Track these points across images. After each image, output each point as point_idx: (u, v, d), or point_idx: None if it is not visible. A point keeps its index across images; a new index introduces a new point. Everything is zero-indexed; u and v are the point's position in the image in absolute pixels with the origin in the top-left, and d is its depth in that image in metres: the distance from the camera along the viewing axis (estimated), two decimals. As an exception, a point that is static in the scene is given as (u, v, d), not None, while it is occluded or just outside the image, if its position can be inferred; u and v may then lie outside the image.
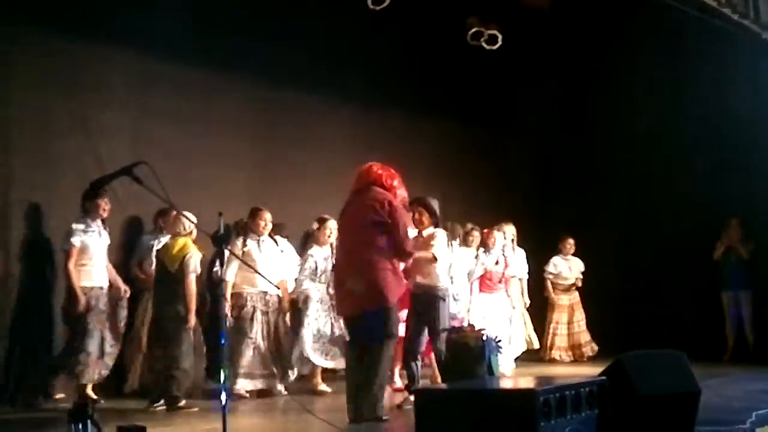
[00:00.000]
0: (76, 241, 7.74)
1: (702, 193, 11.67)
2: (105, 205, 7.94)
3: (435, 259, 7.50)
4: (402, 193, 6.95)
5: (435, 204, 7.88)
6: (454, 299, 8.61)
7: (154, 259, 8.12)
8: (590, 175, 12.79)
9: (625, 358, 5.13)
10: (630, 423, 4.87)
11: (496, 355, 6.20)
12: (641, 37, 12.19)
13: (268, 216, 8.53)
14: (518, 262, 10.57)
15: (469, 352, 6.42)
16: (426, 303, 7.50)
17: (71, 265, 7.74)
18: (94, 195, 7.76)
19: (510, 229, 10.56)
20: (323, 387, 8.62)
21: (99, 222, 7.95)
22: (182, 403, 7.61)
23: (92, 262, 7.84)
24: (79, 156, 8.51)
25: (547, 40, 12.47)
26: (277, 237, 8.77)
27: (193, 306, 7.71)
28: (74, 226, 7.79)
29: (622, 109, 12.53)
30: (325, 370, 8.81)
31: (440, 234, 7.80)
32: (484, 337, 6.33)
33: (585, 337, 11.66)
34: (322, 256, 8.82)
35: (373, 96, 11.14)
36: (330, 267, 8.56)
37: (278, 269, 8.54)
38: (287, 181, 10.27)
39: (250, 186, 9.91)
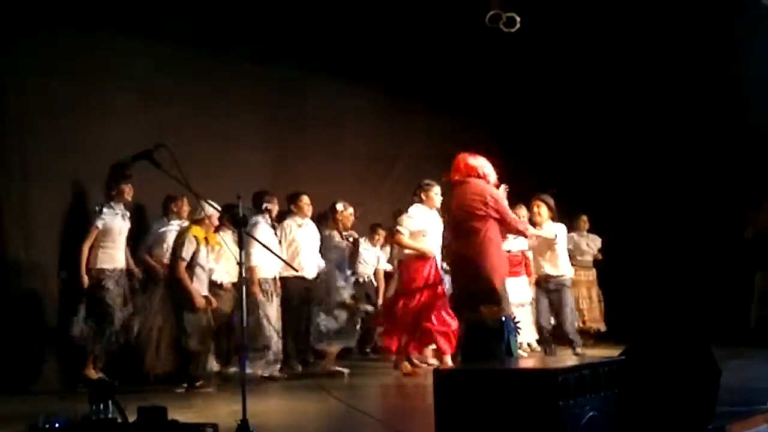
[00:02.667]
0: (99, 223, 7.85)
1: (726, 169, 11.62)
2: (129, 190, 8.05)
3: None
4: (493, 179, 7.57)
5: (551, 201, 8.91)
6: None
7: (168, 247, 8.17)
8: (612, 153, 12.72)
9: (644, 338, 5.12)
10: (650, 403, 4.86)
11: (515, 336, 6.21)
12: (655, 18, 12.08)
13: (306, 199, 8.84)
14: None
15: (487, 332, 6.43)
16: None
17: (85, 246, 7.81)
18: (118, 179, 7.85)
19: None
20: (339, 368, 8.68)
21: (122, 206, 8.02)
22: (199, 383, 7.67)
23: (115, 244, 7.97)
24: (92, 141, 8.52)
25: (562, 21, 12.37)
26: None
27: (187, 291, 7.75)
28: (98, 208, 7.87)
29: (645, 86, 12.45)
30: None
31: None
32: (503, 318, 6.33)
33: (595, 314, 11.61)
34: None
35: (393, 79, 11.14)
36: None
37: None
38: (304, 163, 10.29)
39: (266, 169, 9.93)
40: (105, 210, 7.93)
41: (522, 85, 12.61)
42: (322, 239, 9.09)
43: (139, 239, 8.69)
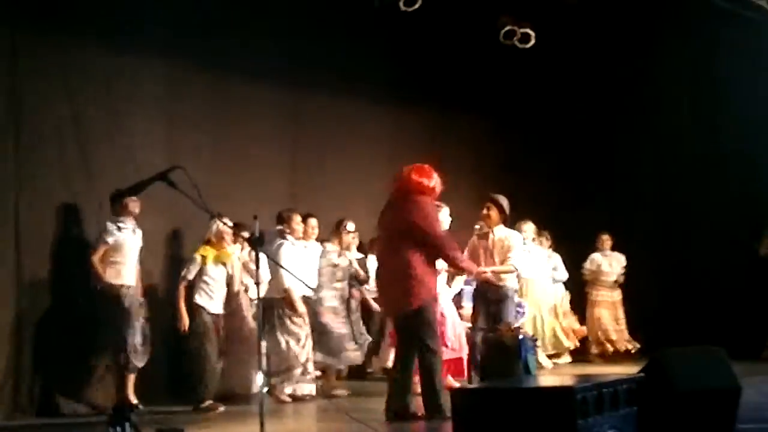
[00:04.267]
0: (109, 239, 7.78)
1: (742, 187, 11.56)
2: (133, 204, 7.92)
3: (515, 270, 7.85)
4: (438, 189, 7.09)
5: (504, 202, 7.99)
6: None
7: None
8: (626, 172, 12.68)
9: (663, 355, 5.09)
10: (669, 420, 4.83)
11: (533, 354, 6.19)
12: (671, 30, 12.06)
13: (298, 218, 8.57)
14: (533, 263, 10.47)
15: (505, 351, 6.42)
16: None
17: (95, 259, 7.78)
18: (120, 195, 7.80)
19: (529, 227, 10.47)
20: (338, 391, 8.62)
21: (131, 220, 7.97)
22: (206, 403, 7.69)
23: (125, 260, 7.86)
24: (115, 163, 8.54)
25: (576, 36, 12.37)
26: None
27: (180, 313, 7.89)
28: (108, 224, 7.85)
29: (655, 104, 12.42)
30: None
31: (515, 239, 7.98)
32: (521, 336, 6.32)
33: (625, 335, 11.58)
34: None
35: (406, 97, 11.15)
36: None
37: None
38: (322, 185, 10.27)
39: (283, 191, 9.95)
40: (114, 226, 7.85)
41: (537, 103, 12.59)
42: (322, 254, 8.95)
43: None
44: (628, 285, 11.67)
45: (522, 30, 11.11)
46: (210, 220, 7.61)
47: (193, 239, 8.64)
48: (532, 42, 11.15)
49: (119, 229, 7.85)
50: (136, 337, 7.77)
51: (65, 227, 8.25)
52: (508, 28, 11.14)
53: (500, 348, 6.47)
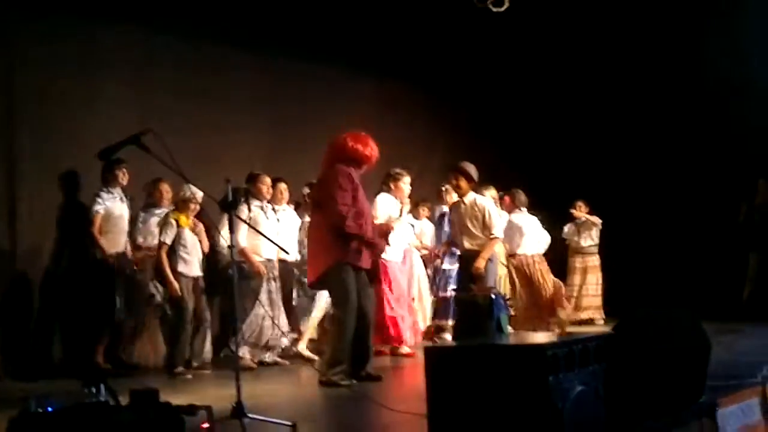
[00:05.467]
0: (99, 208, 7.87)
1: (722, 158, 11.65)
2: (123, 174, 8.07)
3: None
4: (373, 158, 7.10)
5: (471, 169, 7.96)
6: None
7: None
8: (606, 137, 12.73)
9: (634, 314, 5.14)
10: (640, 378, 4.88)
11: (505, 314, 6.25)
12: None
13: (268, 180, 8.45)
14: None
15: (477, 310, 6.48)
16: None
17: (95, 231, 7.89)
18: (111, 164, 7.86)
19: (490, 194, 10.45)
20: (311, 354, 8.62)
21: (119, 190, 8.05)
22: (178, 369, 7.72)
23: (116, 228, 8.02)
24: (88, 130, 8.51)
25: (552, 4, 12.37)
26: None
27: (165, 277, 7.85)
28: (97, 194, 7.90)
29: (638, 67, 12.46)
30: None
31: (488, 202, 8.05)
32: (493, 296, 6.38)
33: (595, 301, 11.66)
34: None
35: (384, 65, 11.14)
36: None
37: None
38: (295, 151, 10.27)
39: (257, 157, 9.93)
40: (104, 195, 7.95)
41: (514, 68, 12.59)
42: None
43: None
44: (606, 251, 11.75)
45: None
46: (186, 184, 7.56)
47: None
48: (507, 5, 11.07)
49: (107, 198, 7.92)
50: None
51: (38, 195, 8.26)
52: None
53: (473, 307, 6.53)
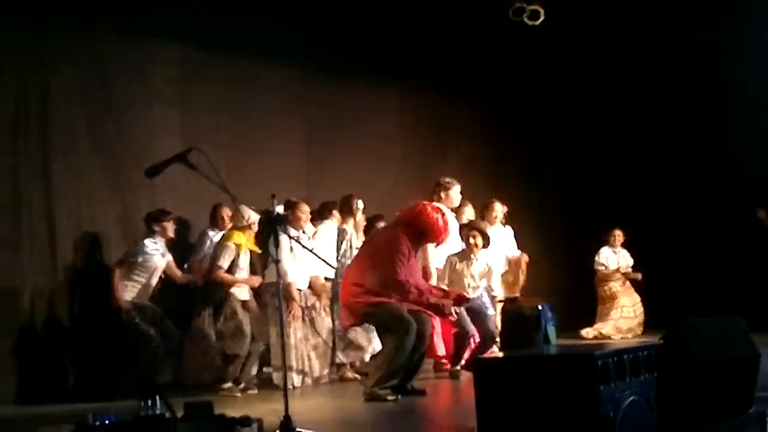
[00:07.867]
0: (140, 258, 7.79)
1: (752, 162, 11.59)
2: (172, 227, 8.00)
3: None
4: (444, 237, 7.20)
5: (487, 227, 8.14)
6: None
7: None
8: (635, 158, 12.69)
9: (682, 324, 5.12)
10: (689, 388, 4.86)
11: (553, 325, 6.24)
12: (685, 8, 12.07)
13: (306, 209, 8.30)
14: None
15: (525, 321, 6.48)
16: None
17: (117, 270, 7.79)
18: (160, 217, 7.87)
19: (498, 208, 10.23)
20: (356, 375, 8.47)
21: (164, 242, 7.96)
22: (226, 385, 7.71)
23: (148, 282, 7.87)
24: (130, 149, 8.61)
25: (586, 16, 12.34)
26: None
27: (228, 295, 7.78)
28: (143, 243, 7.84)
29: (665, 79, 12.42)
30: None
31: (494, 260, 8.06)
32: (540, 307, 6.37)
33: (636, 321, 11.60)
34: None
35: (417, 79, 11.17)
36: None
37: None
38: (337, 168, 10.26)
39: (301, 174, 9.98)
40: (149, 245, 7.85)
41: (546, 83, 12.56)
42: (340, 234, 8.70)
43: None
44: (645, 268, 11.66)
45: (531, 7, 11.07)
46: (233, 202, 7.53)
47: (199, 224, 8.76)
48: (542, 18, 11.10)
49: (151, 250, 7.83)
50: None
51: (76, 210, 8.34)
52: (517, 5, 11.11)
53: (520, 319, 6.53)
